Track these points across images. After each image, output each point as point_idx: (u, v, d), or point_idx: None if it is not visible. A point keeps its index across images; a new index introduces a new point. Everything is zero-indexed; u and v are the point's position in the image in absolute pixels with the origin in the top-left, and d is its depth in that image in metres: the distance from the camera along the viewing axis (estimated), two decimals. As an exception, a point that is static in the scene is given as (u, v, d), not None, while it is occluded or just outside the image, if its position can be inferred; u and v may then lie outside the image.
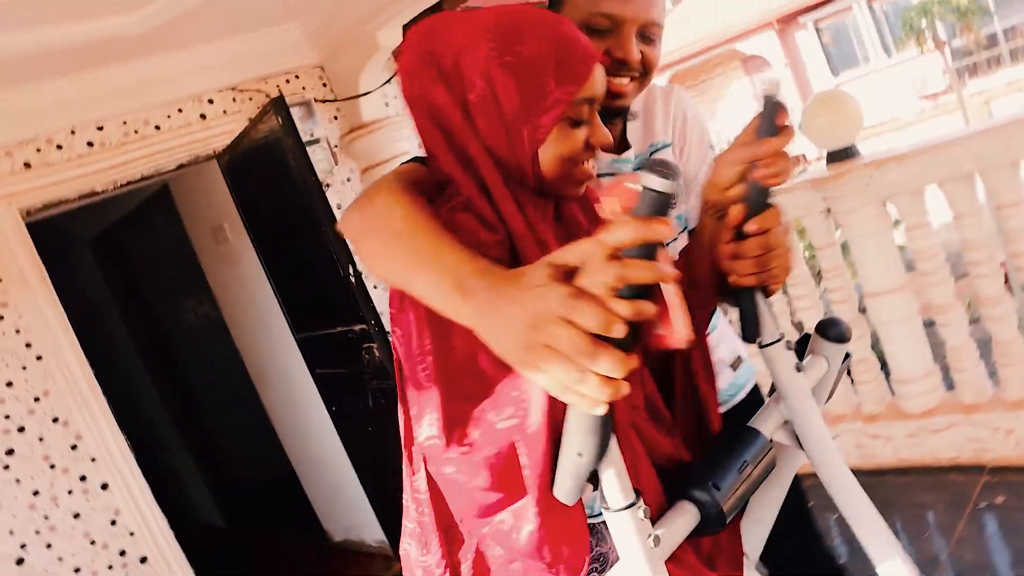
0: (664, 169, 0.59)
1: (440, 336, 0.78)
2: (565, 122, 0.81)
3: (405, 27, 3.19)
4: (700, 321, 0.93)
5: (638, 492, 0.72)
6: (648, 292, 0.61)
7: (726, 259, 0.87)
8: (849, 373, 2.80)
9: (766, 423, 0.89)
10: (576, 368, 0.61)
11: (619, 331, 0.60)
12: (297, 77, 3.51)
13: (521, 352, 0.65)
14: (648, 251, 0.60)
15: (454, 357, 0.77)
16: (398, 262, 0.80)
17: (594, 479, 0.70)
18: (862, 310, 2.80)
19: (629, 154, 1.23)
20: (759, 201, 0.83)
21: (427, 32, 0.85)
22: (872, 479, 2.69)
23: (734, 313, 0.97)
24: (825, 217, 2.71)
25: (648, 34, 1.10)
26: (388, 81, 3.49)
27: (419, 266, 0.76)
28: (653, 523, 0.76)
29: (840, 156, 2.58)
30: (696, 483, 0.80)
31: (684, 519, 0.78)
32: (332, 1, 3.12)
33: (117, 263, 5.08)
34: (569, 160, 0.83)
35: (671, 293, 0.64)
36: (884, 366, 2.78)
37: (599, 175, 1.20)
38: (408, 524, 0.89)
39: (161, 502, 2.99)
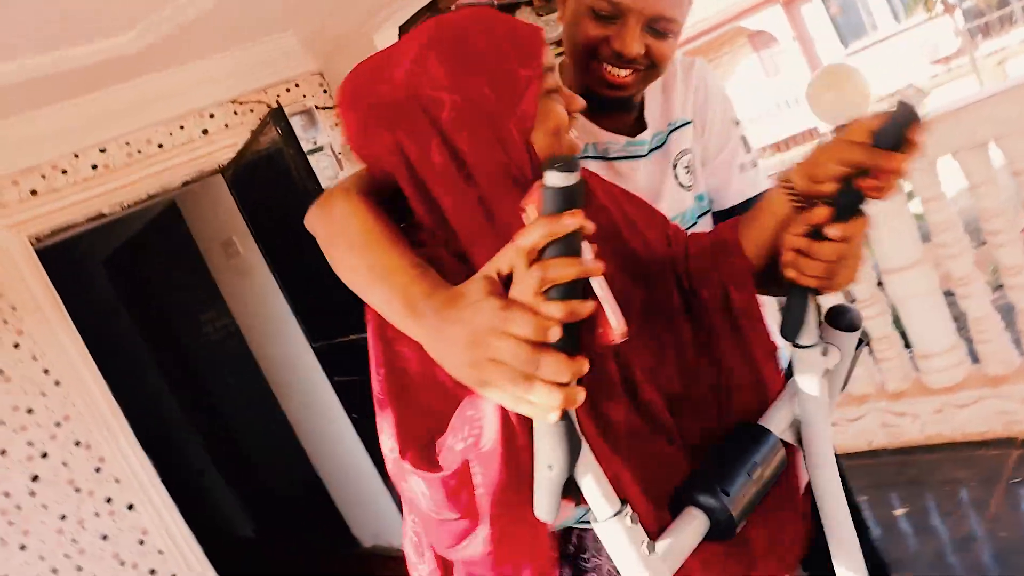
0: (562, 164, 0.59)
1: (388, 348, 0.78)
2: (541, 97, 0.80)
3: (401, 28, 3.16)
4: (748, 298, 0.88)
5: (624, 501, 0.70)
6: (579, 289, 0.60)
7: (790, 250, 0.79)
8: (871, 351, 2.75)
9: (776, 421, 0.85)
10: (522, 377, 0.61)
11: (554, 335, 0.60)
12: (297, 86, 3.50)
13: (469, 370, 0.65)
14: (567, 248, 0.60)
15: (407, 370, 0.77)
16: (355, 274, 0.80)
17: (577, 495, 0.68)
18: (879, 284, 2.74)
19: (645, 135, 1.18)
20: (852, 207, 0.75)
21: (362, 85, 0.81)
22: (900, 457, 2.64)
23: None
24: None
25: (658, 28, 1.04)
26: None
27: (373, 282, 0.77)
28: (657, 535, 0.73)
29: (849, 131, 2.53)
30: (703, 488, 0.76)
31: (692, 527, 0.74)
32: (326, 7, 3.10)
33: (131, 281, 5.11)
34: (560, 133, 0.81)
35: (600, 286, 0.63)
36: (907, 342, 2.72)
37: (616, 158, 1.16)
38: (407, 528, 0.89)
39: (189, 517, 3.01)
